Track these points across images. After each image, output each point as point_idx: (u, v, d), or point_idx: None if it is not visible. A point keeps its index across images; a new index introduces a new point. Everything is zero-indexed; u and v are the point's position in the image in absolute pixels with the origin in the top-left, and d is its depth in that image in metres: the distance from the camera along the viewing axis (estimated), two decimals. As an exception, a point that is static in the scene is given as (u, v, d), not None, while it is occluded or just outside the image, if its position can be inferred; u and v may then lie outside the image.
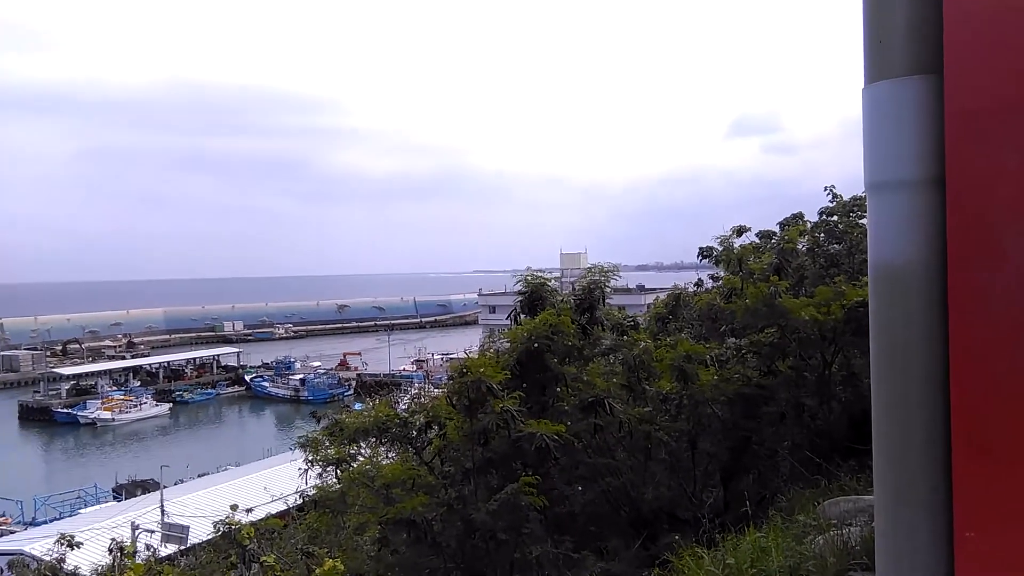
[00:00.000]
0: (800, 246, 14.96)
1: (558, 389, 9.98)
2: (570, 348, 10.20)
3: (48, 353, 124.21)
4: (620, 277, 12.81)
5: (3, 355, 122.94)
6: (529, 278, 11.11)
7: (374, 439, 10.69)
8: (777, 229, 17.05)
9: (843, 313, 10.05)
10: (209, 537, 27.34)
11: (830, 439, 10.27)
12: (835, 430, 10.54)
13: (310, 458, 10.22)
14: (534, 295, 10.98)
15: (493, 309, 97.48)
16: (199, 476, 51.21)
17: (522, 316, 10.99)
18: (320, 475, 12.97)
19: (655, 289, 64.76)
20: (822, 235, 17.15)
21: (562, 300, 10.98)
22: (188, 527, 29.32)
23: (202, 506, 34.11)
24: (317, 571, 6.48)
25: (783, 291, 10.91)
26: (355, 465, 9.77)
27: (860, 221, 16.55)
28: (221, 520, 6.99)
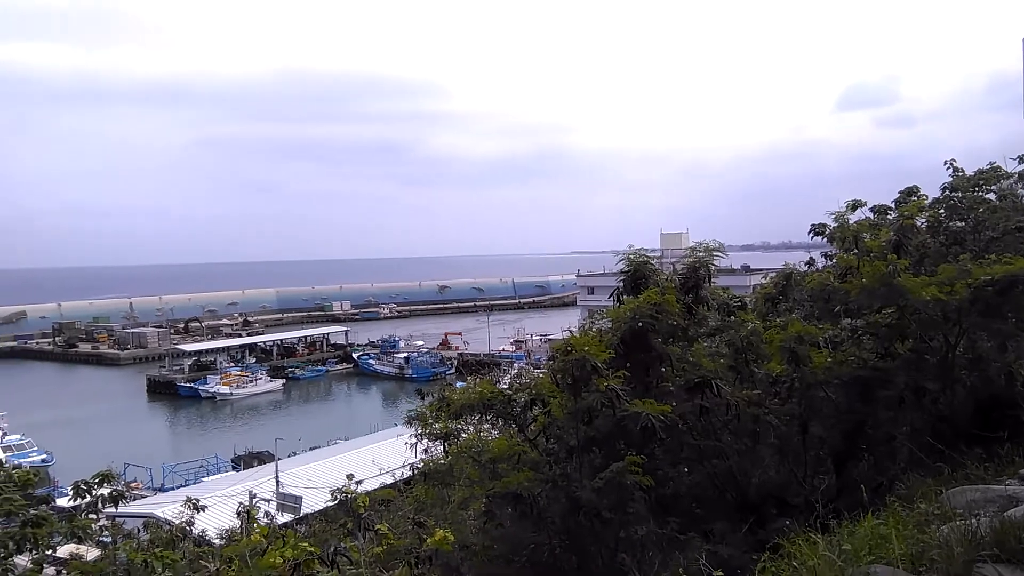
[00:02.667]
0: (919, 223, 14.17)
1: (663, 369, 9.87)
2: (675, 328, 10.05)
3: (172, 331, 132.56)
4: (726, 256, 12.48)
5: (133, 332, 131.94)
6: (632, 256, 10.98)
7: (479, 415, 10.89)
8: (892, 205, 16.19)
9: (969, 293, 9.48)
10: (322, 507, 28.67)
11: (953, 425, 9.75)
12: (959, 416, 9.98)
13: (419, 432, 10.51)
14: (637, 273, 10.85)
15: (591, 290, 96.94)
16: (310, 449, 53.56)
17: (625, 295, 10.90)
18: (426, 450, 13.36)
19: (761, 269, 62.76)
20: (943, 211, 16.17)
21: (666, 279, 10.81)
22: (301, 497, 30.78)
23: (314, 478, 35.72)
24: (428, 540, 6.68)
25: (902, 270, 10.38)
26: (461, 440, 9.98)
27: (987, 196, 15.53)
28: (338, 489, 7.34)
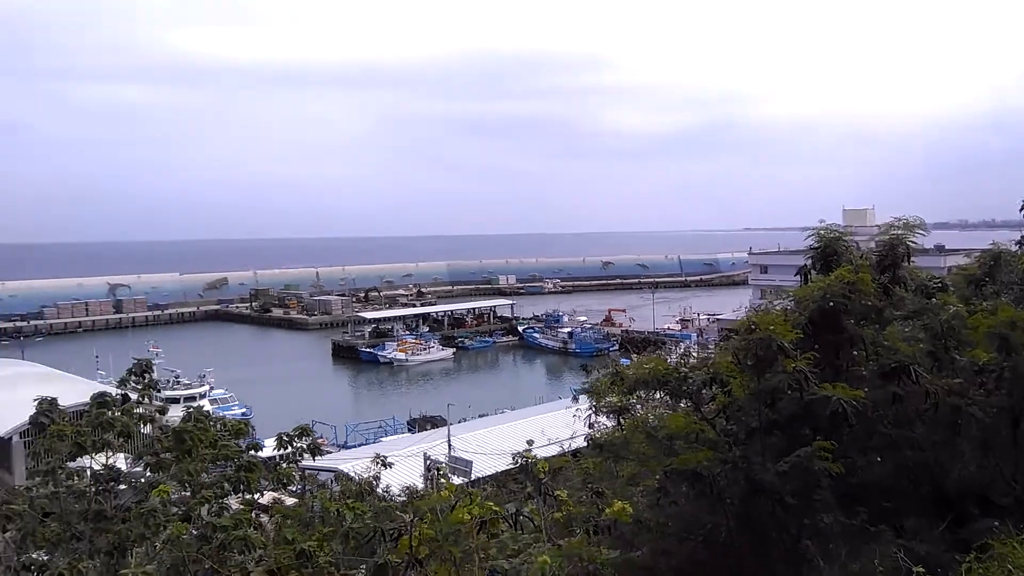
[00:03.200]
0: None
1: (854, 352, 9.34)
2: (868, 309, 9.47)
3: (353, 299, 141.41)
4: (927, 233, 11.54)
5: (319, 300, 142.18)
6: (823, 232, 10.42)
7: (652, 391, 10.82)
8: None
9: None
10: (492, 472, 29.73)
11: None
12: None
13: (593, 404, 10.62)
14: (828, 250, 10.29)
15: (765, 269, 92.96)
16: (479, 416, 55.55)
17: (813, 273, 10.38)
18: (592, 424, 13.47)
19: (958, 250, 57.43)
20: None
21: (861, 257, 10.16)
22: (472, 462, 32.06)
23: (483, 444, 37.09)
24: (608, 510, 6.79)
25: None
26: (637, 414, 9.99)
27: None
28: (518, 453, 7.65)
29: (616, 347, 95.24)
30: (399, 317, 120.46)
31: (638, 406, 12.36)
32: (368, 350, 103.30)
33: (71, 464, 11.11)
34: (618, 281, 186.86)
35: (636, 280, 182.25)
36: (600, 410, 10.81)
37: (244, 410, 66.65)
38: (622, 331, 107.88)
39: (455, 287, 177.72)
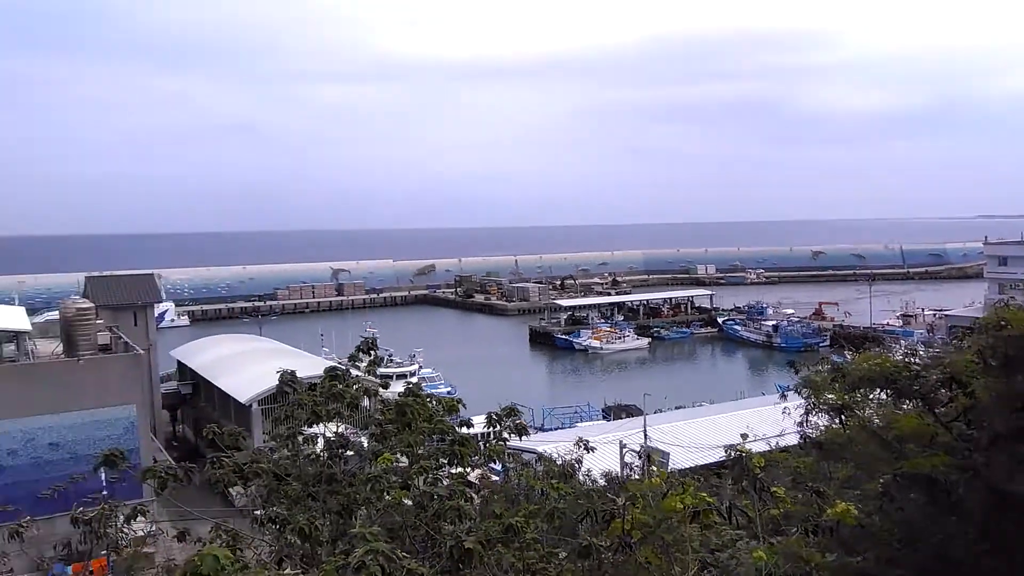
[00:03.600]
0: None
1: None
2: None
3: (550, 287, 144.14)
4: None
5: (518, 286, 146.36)
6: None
7: (878, 389, 10.07)
8: None
9: None
10: (691, 465, 29.12)
11: None
12: None
13: (810, 401, 10.07)
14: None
15: (1003, 261, 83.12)
16: (676, 408, 54.57)
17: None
18: (804, 422, 12.74)
19: None
20: None
21: None
22: (669, 453, 31.59)
23: (680, 436, 36.41)
24: (829, 510, 6.43)
25: None
26: (864, 413, 9.33)
27: None
28: (730, 446, 7.40)
29: (826, 342, 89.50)
30: (594, 305, 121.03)
31: (861, 405, 11.55)
32: (564, 337, 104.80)
33: (307, 430, 12.30)
34: (830, 272, 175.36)
35: (850, 272, 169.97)
36: (817, 408, 10.20)
37: (449, 389, 70.15)
38: (834, 326, 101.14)
39: (651, 276, 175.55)
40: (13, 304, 78.11)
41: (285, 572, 6.79)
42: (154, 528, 12.52)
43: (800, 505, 7.84)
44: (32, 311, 59.84)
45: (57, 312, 54.20)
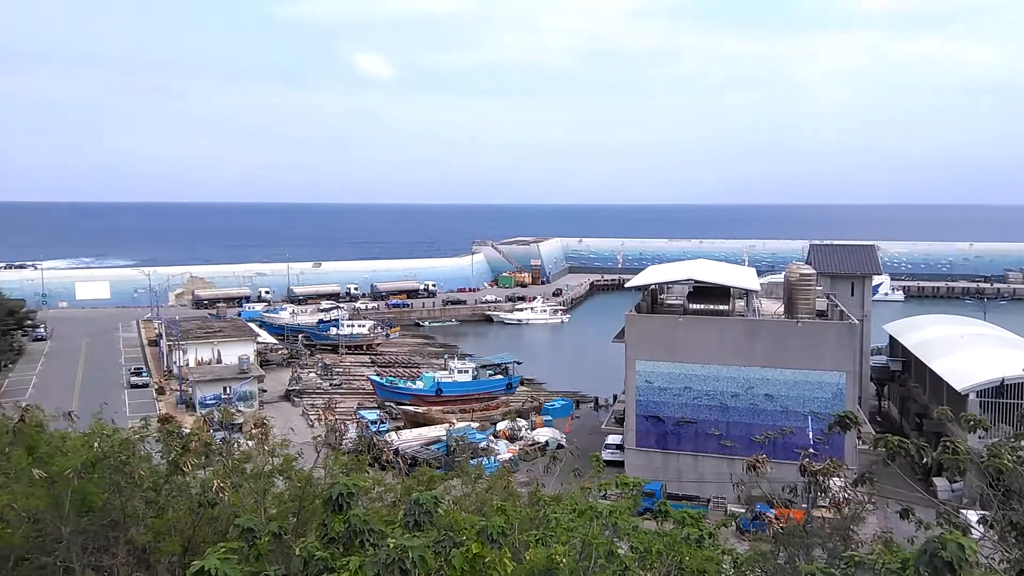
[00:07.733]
0: None
1: None
2: None
3: None
4: None
5: None
6: None
7: None
8: None
9: None
10: None
11: None
12: None
13: None
14: None
15: None
16: None
17: None
18: None
19: None
20: None
21: None
22: None
23: None
24: None
25: None
26: None
27: None
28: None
29: None
30: None
31: None
32: None
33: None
34: None
35: None
36: None
37: None
38: None
39: None
40: (743, 265, 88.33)
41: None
42: (872, 498, 12.47)
43: None
44: (759, 273, 66.43)
45: (781, 275, 58.93)
